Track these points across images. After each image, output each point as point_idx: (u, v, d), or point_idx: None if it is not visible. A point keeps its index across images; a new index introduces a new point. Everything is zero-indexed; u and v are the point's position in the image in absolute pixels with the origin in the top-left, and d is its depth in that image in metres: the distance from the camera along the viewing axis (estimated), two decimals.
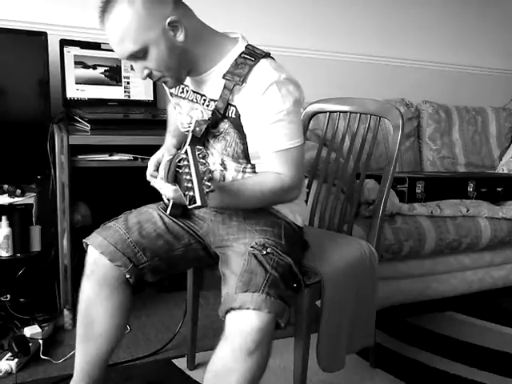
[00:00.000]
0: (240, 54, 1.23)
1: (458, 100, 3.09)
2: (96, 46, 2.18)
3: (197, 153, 1.04)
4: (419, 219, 2.16)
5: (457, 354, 1.93)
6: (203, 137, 1.29)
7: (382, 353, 1.89)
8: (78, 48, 2.14)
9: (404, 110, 2.74)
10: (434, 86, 3.14)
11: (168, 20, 1.14)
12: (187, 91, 1.34)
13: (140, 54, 1.16)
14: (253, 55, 1.22)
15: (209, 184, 1.01)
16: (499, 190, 2.48)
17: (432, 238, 2.14)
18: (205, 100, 1.29)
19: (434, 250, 2.17)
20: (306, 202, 1.66)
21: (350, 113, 1.81)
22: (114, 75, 2.22)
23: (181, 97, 1.37)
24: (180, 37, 1.17)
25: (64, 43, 2.11)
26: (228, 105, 1.23)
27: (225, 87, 1.22)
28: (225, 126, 1.26)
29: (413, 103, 2.85)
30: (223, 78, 1.22)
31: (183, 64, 1.22)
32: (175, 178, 1.12)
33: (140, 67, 1.20)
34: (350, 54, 2.89)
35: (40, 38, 1.94)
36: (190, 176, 1.01)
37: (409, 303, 2.24)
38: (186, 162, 1.03)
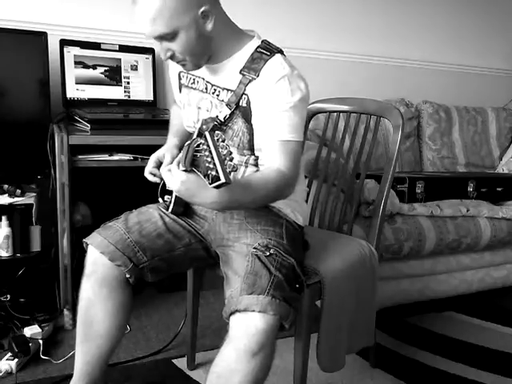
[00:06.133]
0: (256, 49, 1.26)
1: (458, 100, 3.09)
2: (96, 45, 2.18)
3: (215, 138, 1.04)
4: (419, 219, 2.16)
5: (457, 354, 1.93)
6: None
7: (381, 353, 1.89)
8: (78, 48, 2.14)
9: (404, 109, 2.74)
10: (434, 86, 3.14)
11: (202, 9, 1.17)
12: (198, 82, 1.36)
13: (168, 37, 1.19)
14: (268, 50, 1.26)
15: (231, 163, 1.02)
16: (499, 189, 2.49)
17: (432, 238, 2.14)
18: (215, 90, 1.31)
19: (434, 250, 2.17)
20: (306, 201, 1.66)
21: (350, 113, 1.81)
22: (114, 75, 2.22)
23: (192, 87, 1.38)
24: (209, 26, 1.20)
25: (64, 43, 2.11)
26: (241, 95, 1.26)
27: (240, 82, 1.25)
28: (233, 115, 1.28)
29: (413, 103, 2.85)
30: (240, 73, 1.25)
31: (206, 51, 1.25)
32: (192, 162, 1.11)
33: (164, 48, 1.22)
34: (351, 54, 2.89)
35: (40, 38, 1.94)
36: (212, 158, 1.01)
37: (409, 303, 2.24)
38: (204, 147, 1.03)
